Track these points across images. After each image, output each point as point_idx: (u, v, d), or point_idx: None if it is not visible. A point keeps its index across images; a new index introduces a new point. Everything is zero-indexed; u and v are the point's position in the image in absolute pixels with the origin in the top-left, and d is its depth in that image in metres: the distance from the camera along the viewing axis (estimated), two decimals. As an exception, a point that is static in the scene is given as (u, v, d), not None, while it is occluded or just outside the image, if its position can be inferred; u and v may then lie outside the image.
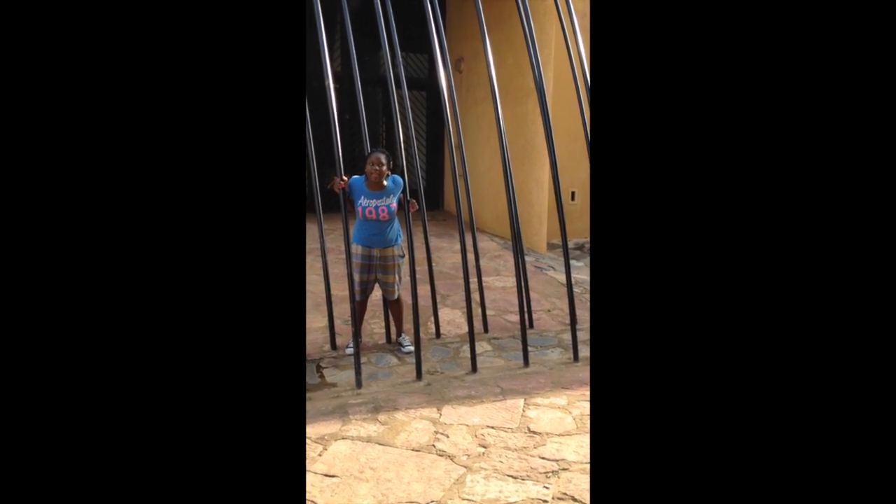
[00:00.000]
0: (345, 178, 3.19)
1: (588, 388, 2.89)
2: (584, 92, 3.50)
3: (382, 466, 2.25)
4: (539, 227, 6.10)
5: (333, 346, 3.58)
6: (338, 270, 4.37)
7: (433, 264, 3.54)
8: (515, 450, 2.38)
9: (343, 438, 2.46)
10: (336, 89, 3.30)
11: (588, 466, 2.23)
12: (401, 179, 3.33)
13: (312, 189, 3.50)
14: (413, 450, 2.38)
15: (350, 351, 3.34)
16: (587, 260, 5.75)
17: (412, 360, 3.28)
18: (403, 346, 3.56)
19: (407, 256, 3.37)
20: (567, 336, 3.62)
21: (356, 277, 3.27)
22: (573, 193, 6.03)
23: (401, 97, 3.31)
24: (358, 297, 3.31)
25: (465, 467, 2.25)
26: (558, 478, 2.18)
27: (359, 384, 3.04)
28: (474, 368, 3.26)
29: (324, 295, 3.62)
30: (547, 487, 2.12)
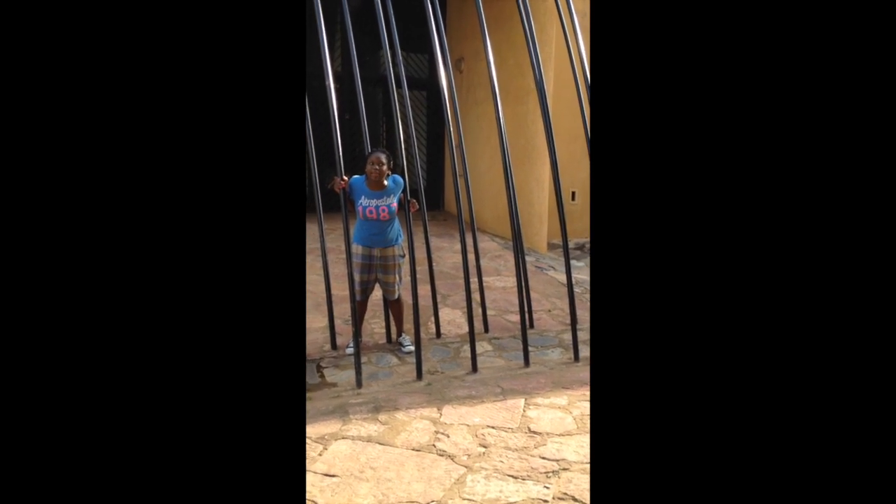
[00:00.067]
0: (345, 177, 3.19)
1: (588, 388, 2.89)
2: (585, 91, 3.50)
3: (383, 466, 2.25)
4: (539, 226, 6.10)
5: (334, 345, 3.58)
6: (338, 270, 4.37)
7: (433, 264, 3.54)
8: (516, 450, 2.38)
9: (343, 438, 2.46)
10: (336, 89, 3.30)
11: (588, 466, 2.23)
12: (401, 179, 3.33)
13: (313, 189, 3.50)
14: (413, 449, 2.38)
15: (350, 351, 3.34)
16: (587, 260, 5.75)
17: (412, 359, 3.28)
18: (404, 346, 3.56)
19: (407, 256, 3.37)
20: (567, 336, 3.62)
21: (356, 277, 3.27)
22: (573, 193, 6.03)
23: (401, 97, 3.31)
24: (358, 297, 3.31)
25: (466, 467, 2.25)
26: (559, 478, 2.18)
27: (359, 384, 3.05)
28: (475, 368, 3.26)
29: (324, 295, 3.62)
30: (547, 487, 2.12)
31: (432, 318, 3.83)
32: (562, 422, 2.61)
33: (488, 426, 2.57)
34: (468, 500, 2.04)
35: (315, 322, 3.86)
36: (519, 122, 6.19)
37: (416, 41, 6.63)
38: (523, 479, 2.17)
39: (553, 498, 2.06)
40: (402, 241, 3.45)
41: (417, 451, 2.37)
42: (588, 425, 2.56)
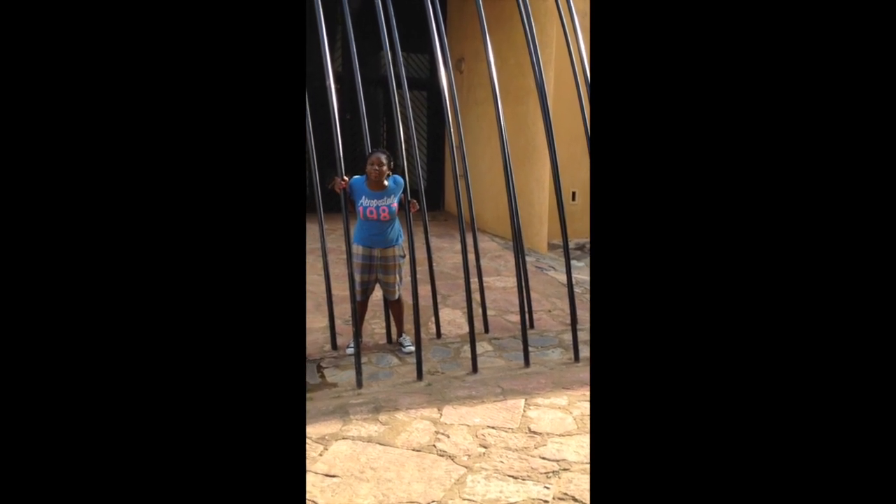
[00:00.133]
0: (345, 178, 3.19)
1: (588, 388, 2.89)
2: (585, 92, 3.50)
3: (383, 466, 2.25)
4: (540, 227, 6.10)
5: (334, 346, 3.58)
6: (338, 270, 4.37)
7: (434, 264, 3.54)
8: (516, 450, 2.38)
9: (344, 438, 2.46)
10: (337, 89, 3.30)
11: (588, 466, 2.23)
12: (401, 179, 3.33)
13: (313, 189, 3.50)
14: (414, 450, 2.38)
15: (351, 351, 3.34)
16: (588, 260, 5.74)
17: (413, 360, 3.28)
18: (404, 346, 3.56)
19: (407, 256, 3.37)
20: (568, 336, 3.62)
21: (357, 277, 3.27)
22: (574, 193, 6.03)
23: (402, 97, 3.31)
24: (358, 297, 3.31)
25: (466, 467, 2.25)
26: (559, 478, 2.18)
27: (359, 384, 3.05)
28: (475, 368, 3.26)
29: (324, 295, 3.62)
30: (548, 487, 2.12)
31: (432, 319, 3.83)
32: (562, 422, 2.61)
33: (488, 426, 2.57)
34: (468, 500, 2.04)
35: (315, 322, 3.86)
36: (519, 123, 6.19)
37: (417, 41, 6.62)
38: (523, 480, 2.17)
39: (553, 498, 2.06)
40: (403, 241, 3.45)
41: (418, 451, 2.37)
42: (588, 425, 2.56)
